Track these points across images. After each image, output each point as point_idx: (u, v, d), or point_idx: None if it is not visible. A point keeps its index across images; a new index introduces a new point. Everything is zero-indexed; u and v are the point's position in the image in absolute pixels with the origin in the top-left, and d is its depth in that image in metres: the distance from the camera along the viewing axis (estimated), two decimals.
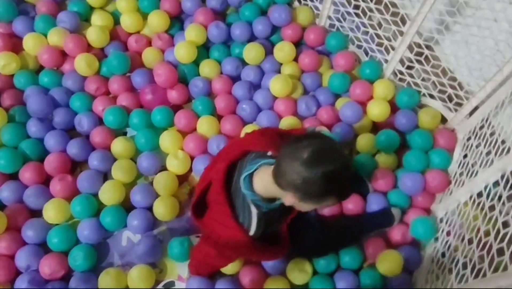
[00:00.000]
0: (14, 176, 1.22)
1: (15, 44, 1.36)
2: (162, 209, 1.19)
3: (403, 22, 1.24)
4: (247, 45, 1.40)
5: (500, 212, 0.87)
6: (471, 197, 1.04)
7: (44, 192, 1.20)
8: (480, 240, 0.91)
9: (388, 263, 1.13)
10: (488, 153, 1.04)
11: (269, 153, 0.94)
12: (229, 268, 1.13)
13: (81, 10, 1.43)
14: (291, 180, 0.81)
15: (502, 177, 0.92)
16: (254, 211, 0.91)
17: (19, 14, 1.39)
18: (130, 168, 1.24)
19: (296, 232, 1.07)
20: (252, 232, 0.91)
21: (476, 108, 1.22)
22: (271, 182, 0.85)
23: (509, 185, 0.88)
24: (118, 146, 1.26)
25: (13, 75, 1.34)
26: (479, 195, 1.01)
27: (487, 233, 0.90)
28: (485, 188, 0.98)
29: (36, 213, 1.19)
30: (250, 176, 0.91)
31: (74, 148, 1.25)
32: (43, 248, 1.15)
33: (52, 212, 1.16)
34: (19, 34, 1.38)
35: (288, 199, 0.85)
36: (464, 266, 0.92)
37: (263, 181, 0.89)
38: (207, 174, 1.06)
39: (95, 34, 1.37)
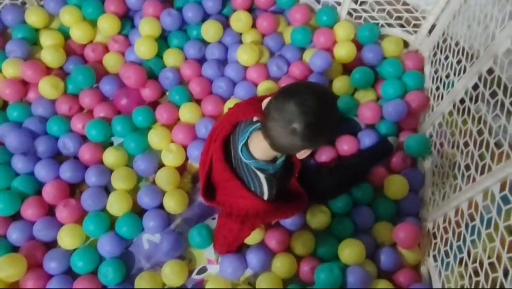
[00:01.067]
0: (16, 216, 1.20)
1: None
2: (172, 203, 1.21)
3: None
4: (203, 25, 1.40)
5: (487, 110, 0.94)
6: (454, 105, 1.11)
7: (52, 222, 1.19)
8: (475, 140, 0.99)
9: (395, 187, 1.21)
10: (459, 62, 1.12)
11: (255, 119, 0.96)
12: (253, 238, 1.17)
13: (26, 35, 1.38)
14: (296, 147, 0.84)
15: (480, 78, 0.99)
16: (261, 176, 0.94)
17: None
18: (129, 175, 1.24)
19: (307, 182, 1.12)
20: (266, 196, 0.95)
21: (434, 26, 1.29)
22: (269, 148, 0.88)
23: (488, 84, 0.95)
24: (110, 157, 1.26)
25: None
26: (462, 101, 1.08)
27: (480, 132, 0.98)
28: (466, 92, 1.06)
29: (50, 245, 1.19)
30: (246, 145, 0.94)
31: (67, 172, 1.23)
32: (69, 275, 1.15)
33: (67, 238, 1.16)
34: None
35: (300, 154, 0.87)
36: (467, 167, 1.00)
37: (260, 147, 0.91)
38: (205, 157, 1.08)
39: (49, 54, 1.34)
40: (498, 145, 0.89)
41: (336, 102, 0.91)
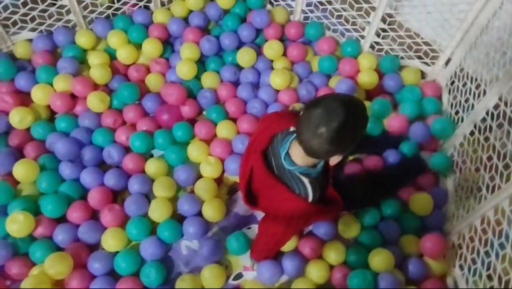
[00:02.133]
0: (62, 219, 1.26)
1: (22, 99, 1.40)
2: (211, 212, 1.28)
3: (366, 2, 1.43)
4: (239, 51, 1.53)
5: (510, 124, 1.06)
6: (475, 126, 1.23)
7: (97, 225, 1.25)
8: (498, 152, 1.09)
9: (420, 203, 1.29)
10: (478, 86, 1.24)
11: (292, 129, 1.04)
12: (288, 246, 1.24)
13: (76, 54, 1.49)
14: (325, 151, 0.90)
15: (500, 98, 1.11)
16: (305, 180, 1.01)
17: (18, 71, 1.43)
18: (170, 184, 1.32)
19: (338, 190, 1.19)
20: (311, 198, 1.01)
21: (449, 59, 1.44)
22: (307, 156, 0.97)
23: (509, 102, 1.07)
24: (152, 167, 1.34)
25: (29, 128, 1.37)
26: (483, 120, 1.19)
27: (503, 145, 1.08)
28: (487, 112, 1.17)
29: (93, 247, 1.24)
30: (287, 154, 1.02)
31: (111, 179, 1.30)
32: (112, 276, 1.19)
33: (111, 241, 1.22)
34: (23, 89, 1.42)
35: (333, 160, 0.94)
36: (492, 178, 1.09)
37: (300, 154, 0.97)
38: (245, 168, 1.16)
39: (98, 72, 1.44)
40: None
41: (364, 110, 0.93)
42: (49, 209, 1.23)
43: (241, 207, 1.33)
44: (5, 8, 1.39)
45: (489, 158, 1.13)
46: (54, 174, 1.30)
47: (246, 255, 1.26)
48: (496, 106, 1.14)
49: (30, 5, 1.40)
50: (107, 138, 1.37)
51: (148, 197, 1.32)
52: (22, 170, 1.26)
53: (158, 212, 1.26)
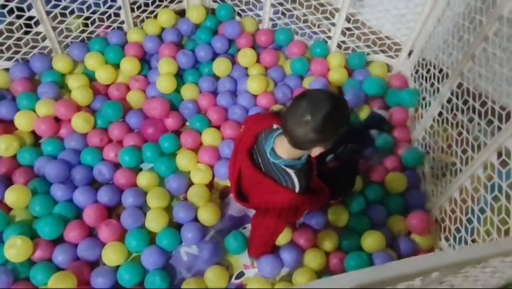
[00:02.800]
0: (58, 240, 1.26)
1: (5, 128, 1.41)
2: (207, 216, 1.31)
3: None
4: (215, 62, 1.59)
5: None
6: (442, 106, 1.33)
7: (95, 242, 1.26)
8: (467, 127, 1.19)
9: (395, 183, 1.39)
10: (440, 71, 1.35)
11: (275, 126, 1.10)
12: (283, 238, 1.29)
13: (54, 79, 1.51)
14: (309, 140, 0.95)
15: (462, 78, 1.22)
16: (290, 172, 1.06)
17: None
18: (163, 194, 1.35)
19: (327, 180, 1.26)
20: (297, 188, 1.06)
21: (411, 50, 1.55)
22: (292, 148, 1.01)
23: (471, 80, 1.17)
24: (143, 179, 1.37)
25: (15, 156, 1.38)
26: (449, 101, 1.30)
27: (471, 119, 1.19)
28: (452, 92, 1.28)
29: (93, 264, 1.25)
30: (273, 150, 1.07)
31: (105, 196, 1.32)
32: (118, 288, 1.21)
33: (112, 255, 1.23)
34: (4, 118, 1.43)
35: (315, 151, 1.00)
36: (464, 151, 1.19)
37: (284, 148, 1.03)
38: (233, 169, 1.21)
39: (80, 94, 1.47)
40: (488, 123, 1.09)
41: (346, 105, 1.00)
42: (46, 231, 1.24)
43: (234, 209, 1.37)
44: None
45: (459, 134, 1.23)
46: (46, 197, 1.31)
47: (245, 253, 1.30)
48: (459, 86, 1.24)
49: (6, 34, 1.42)
50: (95, 157, 1.39)
51: (142, 209, 1.35)
52: (13, 196, 1.27)
53: (154, 222, 1.29)
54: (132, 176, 1.38)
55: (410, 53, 1.56)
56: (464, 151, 1.19)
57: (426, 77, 1.45)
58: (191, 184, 1.40)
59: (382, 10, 1.54)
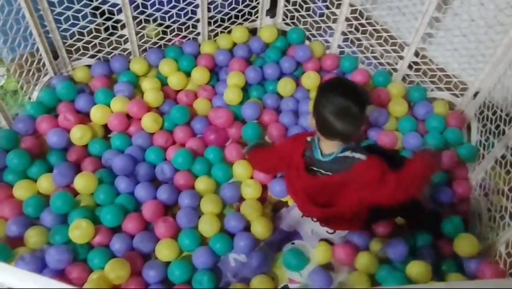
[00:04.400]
0: (116, 229, 1.33)
1: (81, 119, 1.51)
2: (260, 229, 1.34)
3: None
4: (280, 81, 1.65)
5: None
6: (507, 148, 1.32)
7: (150, 236, 1.32)
8: None
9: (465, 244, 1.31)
10: (508, 114, 1.35)
11: (309, 139, 1.18)
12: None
13: (130, 79, 1.61)
14: (329, 124, 1.04)
15: None
16: (348, 152, 1.11)
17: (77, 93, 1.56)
18: (217, 201, 1.39)
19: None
20: (364, 156, 1.11)
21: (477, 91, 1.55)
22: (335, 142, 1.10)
23: None
24: (201, 184, 1.42)
25: (86, 145, 1.47)
26: None
27: None
28: None
29: (146, 257, 1.30)
30: (321, 154, 1.14)
31: (164, 194, 1.38)
32: (165, 284, 1.25)
33: (165, 251, 1.28)
34: (81, 110, 1.53)
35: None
36: None
37: (327, 144, 1.12)
38: (297, 196, 1.29)
39: (152, 95, 1.55)
40: None
41: (364, 94, 1.08)
42: (108, 219, 1.31)
43: (285, 223, 1.40)
44: (72, 35, 1.52)
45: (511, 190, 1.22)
46: (110, 187, 1.38)
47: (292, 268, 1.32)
48: None
49: (94, 33, 1.54)
50: (159, 156, 1.46)
51: (196, 211, 1.39)
52: (82, 182, 1.34)
53: (208, 226, 1.33)
54: (191, 178, 1.43)
55: (475, 94, 1.56)
56: None
57: (491, 119, 1.44)
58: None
59: (451, 49, 1.56)
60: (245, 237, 1.32)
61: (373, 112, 1.58)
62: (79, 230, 1.24)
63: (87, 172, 1.38)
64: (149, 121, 1.50)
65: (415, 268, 1.24)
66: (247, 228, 1.36)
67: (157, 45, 1.69)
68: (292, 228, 1.40)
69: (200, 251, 1.28)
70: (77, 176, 1.35)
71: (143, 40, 1.65)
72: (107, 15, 1.51)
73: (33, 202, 1.32)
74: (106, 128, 1.53)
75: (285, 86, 1.65)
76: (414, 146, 1.51)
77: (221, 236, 1.32)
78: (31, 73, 1.49)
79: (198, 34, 1.71)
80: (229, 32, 1.75)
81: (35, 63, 1.48)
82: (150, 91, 1.57)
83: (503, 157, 1.34)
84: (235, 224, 1.35)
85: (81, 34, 1.54)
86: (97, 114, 1.50)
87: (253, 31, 1.79)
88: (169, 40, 1.70)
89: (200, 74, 1.64)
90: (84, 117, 1.52)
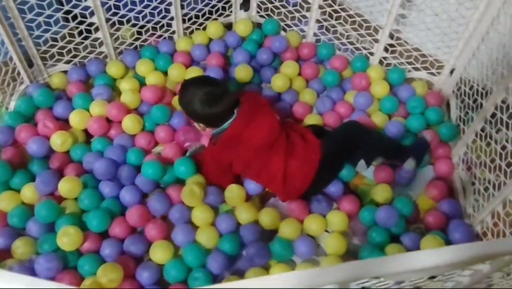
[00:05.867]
0: (105, 234, 1.31)
1: (60, 125, 1.48)
2: (245, 215, 1.35)
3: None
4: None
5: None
6: (486, 121, 1.34)
7: (140, 238, 1.30)
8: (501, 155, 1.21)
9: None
10: (484, 86, 1.37)
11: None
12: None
13: (107, 82, 1.60)
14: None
15: (507, 92, 1.24)
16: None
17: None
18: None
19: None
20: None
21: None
22: None
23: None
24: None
25: (67, 152, 1.45)
26: (493, 115, 1.31)
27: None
28: (496, 108, 1.29)
29: (138, 260, 1.29)
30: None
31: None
32: (160, 284, 1.25)
33: (159, 253, 1.27)
34: (60, 116, 1.51)
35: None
36: (508, 164, 1.20)
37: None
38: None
39: (129, 96, 1.54)
40: None
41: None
42: (94, 224, 1.28)
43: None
44: (45, 42, 1.50)
45: (503, 147, 1.24)
46: (95, 191, 1.36)
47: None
48: (504, 101, 1.26)
49: (68, 38, 1.52)
50: (139, 158, 1.44)
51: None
52: (66, 186, 1.32)
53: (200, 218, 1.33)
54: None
55: (452, 71, 1.58)
56: (509, 164, 1.20)
57: (468, 94, 1.46)
58: None
59: (424, 29, 1.58)
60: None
61: (357, 96, 1.59)
62: (67, 237, 1.22)
63: (71, 176, 1.36)
64: (130, 123, 1.48)
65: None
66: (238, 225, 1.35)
67: (133, 46, 1.68)
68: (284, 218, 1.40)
69: (190, 249, 1.27)
70: (61, 180, 1.33)
71: (118, 42, 1.63)
72: (79, 18, 1.49)
73: (18, 213, 1.29)
74: (87, 133, 1.52)
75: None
76: (396, 133, 1.53)
77: (231, 237, 1.30)
78: (6, 83, 1.47)
79: (174, 32, 1.70)
80: (204, 28, 1.75)
81: (9, 72, 1.46)
82: (127, 92, 1.55)
83: (482, 129, 1.37)
84: (225, 226, 1.33)
85: (55, 40, 1.52)
86: (76, 119, 1.48)
87: (228, 26, 1.78)
88: (145, 40, 1.69)
89: (177, 71, 1.63)
90: (63, 123, 1.50)
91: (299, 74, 1.70)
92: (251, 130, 1.30)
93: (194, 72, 1.60)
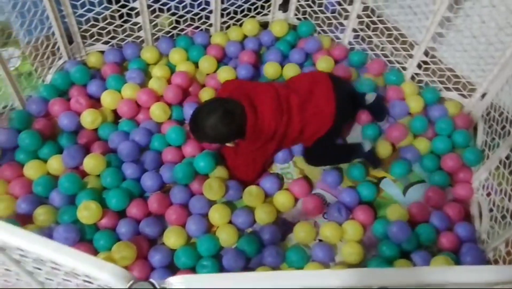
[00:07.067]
0: (123, 213, 1.35)
1: (92, 104, 1.53)
2: (264, 216, 1.38)
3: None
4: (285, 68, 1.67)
5: None
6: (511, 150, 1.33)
7: (157, 221, 1.34)
8: None
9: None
10: None
11: None
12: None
13: (140, 66, 1.63)
14: None
15: None
16: None
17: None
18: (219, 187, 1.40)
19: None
20: None
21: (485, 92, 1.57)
22: None
23: None
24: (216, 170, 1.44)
25: (95, 129, 1.50)
26: None
27: None
28: None
29: (151, 242, 1.33)
30: None
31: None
32: (170, 269, 1.28)
33: (173, 238, 1.30)
34: (93, 94, 1.56)
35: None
36: None
37: None
38: None
39: (157, 83, 1.57)
40: None
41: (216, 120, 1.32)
42: (114, 202, 1.33)
43: (289, 214, 1.43)
44: (87, 21, 1.55)
45: None
46: (117, 171, 1.40)
47: None
48: None
49: (109, 20, 1.57)
50: (163, 145, 1.47)
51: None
52: (92, 162, 1.37)
53: (217, 214, 1.35)
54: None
55: (483, 95, 1.57)
56: None
57: (497, 120, 1.45)
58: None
59: (461, 50, 1.57)
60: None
61: (393, 104, 1.60)
62: (88, 211, 1.26)
63: (96, 153, 1.40)
64: (157, 111, 1.51)
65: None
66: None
67: (169, 34, 1.72)
68: (295, 219, 1.42)
69: (204, 239, 1.30)
70: (87, 156, 1.37)
71: (156, 29, 1.67)
72: (122, 2, 1.53)
73: (43, 182, 1.34)
74: (116, 114, 1.56)
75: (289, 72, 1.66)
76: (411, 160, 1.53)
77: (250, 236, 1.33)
78: (45, 57, 1.52)
79: (210, 25, 1.73)
80: (241, 25, 1.77)
81: (50, 46, 1.51)
82: (156, 79, 1.58)
83: (507, 157, 1.36)
84: (242, 220, 1.36)
85: (96, 20, 1.56)
86: (108, 99, 1.52)
87: (264, 25, 1.81)
88: (182, 30, 1.72)
89: (208, 64, 1.65)
90: (95, 102, 1.54)
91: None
92: (260, 106, 1.36)
93: (225, 72, 1.63)
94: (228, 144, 1.42)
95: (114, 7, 1.54)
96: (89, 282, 0.69)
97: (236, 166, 1.44)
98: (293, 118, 1.38)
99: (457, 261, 1.31)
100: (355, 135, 1.58)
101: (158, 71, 1.62)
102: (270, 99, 1.38)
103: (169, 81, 1.62)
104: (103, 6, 1.52)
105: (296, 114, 1.39)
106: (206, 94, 1.60)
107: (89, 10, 1.51)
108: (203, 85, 1.66)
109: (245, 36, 1.77)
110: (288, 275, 0.58)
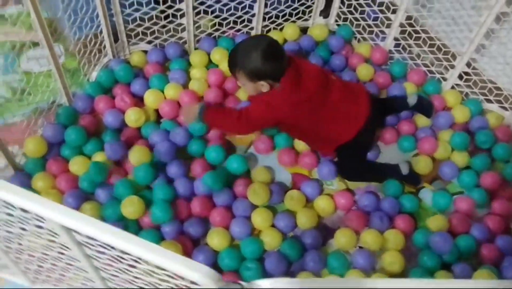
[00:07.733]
0: None
1: (136, 101, 1.54)
2: (305, 220, 1.38)
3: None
4: None
5: None
6: None
7: (201, 222, 1.34)
8: None
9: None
10: None
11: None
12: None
13: (182, 67, 1.64)
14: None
15: None
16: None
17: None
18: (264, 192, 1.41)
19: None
20: None
21: None
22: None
23: None
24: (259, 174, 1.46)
25: (138, 128, 1.51)
26: None
27: None
28: None
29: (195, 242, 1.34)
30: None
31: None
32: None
33: (216, 239, 1.31)
34: (136, 93, 1.57)
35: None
36: None
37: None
38: None
39: (196, 85, 1.58)
40: None
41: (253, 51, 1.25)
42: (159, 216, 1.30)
43: (329, 220, 1.43)
44: (133, 20, 1.56)
45: None
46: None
47: None
48: None
49: (154, 20, 1.58)
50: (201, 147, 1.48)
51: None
52: (137, 155, 1.37)
53: (260, 218, 1.35)
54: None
55: None
56: None
57: None
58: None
59: (503, 63, 1.57)
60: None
61: (437, 115, 1.59)
62: (132, 207, 1.27)
63: (142, 146, 1.41)
64: None
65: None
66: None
67: (211, 36, 1.73)
68: (336, 224, 1.42)
69: (247, 241, 1.31)
70: (132, 148, 1.39)
71: (199, 31, 1.68)
72: (169, 3, 1.54)
73: (88, 178, 1.35)
74: (158, 114, 1.57)
75: None
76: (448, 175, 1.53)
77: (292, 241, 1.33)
78: (92, 54, 1.53)
79: (252, 28, 1.74)
80: (281, 29, 1.78)
81: (97, 44, 1.53)
82: (196, 81, 1.59)
83: None
84: (283, 224, 1.37)
85: (142, 19, 1.57)
86: (151, 98, 1.53)
87: (303, 30, 1.81)
88: (223, 32, 1.73)
89: None
90: (138, 100, 1.55)
91: (371, 80, 1.70)
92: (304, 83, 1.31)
93: None
94: (258, 85, 1.30)
95: (161, 7, 1.55)
96: (167, 281, 0.70)
97: (247, 118, 1.34)
98: (328, 103, 1.35)
99: (499, 275, 1.31)
100: (388, 157, 1.57)
101: (197, 73, 1.63)
102: (316, 72, 1.36)
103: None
104: (150, 6, 1.53)
105: (330, 102, 1.35)
106: (244, 93, 1.60)
107: (137, 10, 1.52)
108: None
109: (285, 40, 1.77)
110: (382, 282, 0.57)
